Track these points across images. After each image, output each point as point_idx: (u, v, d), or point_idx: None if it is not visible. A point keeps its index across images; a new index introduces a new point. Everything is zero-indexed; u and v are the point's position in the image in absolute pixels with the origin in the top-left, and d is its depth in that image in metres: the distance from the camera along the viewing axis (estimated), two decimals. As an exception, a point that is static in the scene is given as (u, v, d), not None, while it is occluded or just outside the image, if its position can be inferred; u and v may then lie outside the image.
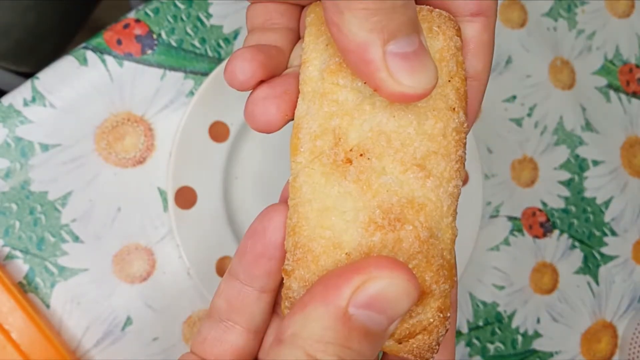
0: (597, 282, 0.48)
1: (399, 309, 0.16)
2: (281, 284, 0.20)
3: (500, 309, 0.46)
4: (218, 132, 0.40)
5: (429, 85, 0.17)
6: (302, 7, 0.23)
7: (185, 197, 0.39)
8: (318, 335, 0.16)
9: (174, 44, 0.40)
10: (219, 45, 0.41)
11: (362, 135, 0.19)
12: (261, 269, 0.20)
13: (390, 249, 0.18)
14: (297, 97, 0.21)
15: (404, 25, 0.16)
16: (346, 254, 0.18)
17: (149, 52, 0.40)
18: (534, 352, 0.46)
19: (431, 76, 0.17)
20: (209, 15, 0.41)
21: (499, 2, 0.47)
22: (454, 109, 0.19)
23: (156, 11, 0.40)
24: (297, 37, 0.23)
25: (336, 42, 0.17)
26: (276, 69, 0.21)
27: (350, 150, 0.19)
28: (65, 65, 0.38)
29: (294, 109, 0.21)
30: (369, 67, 0.17)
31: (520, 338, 0.46)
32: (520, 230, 0.46)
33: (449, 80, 0.20)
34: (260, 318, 0.21)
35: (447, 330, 0.19)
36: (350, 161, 0.19)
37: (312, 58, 0.20)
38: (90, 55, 0.39)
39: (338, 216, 0.19)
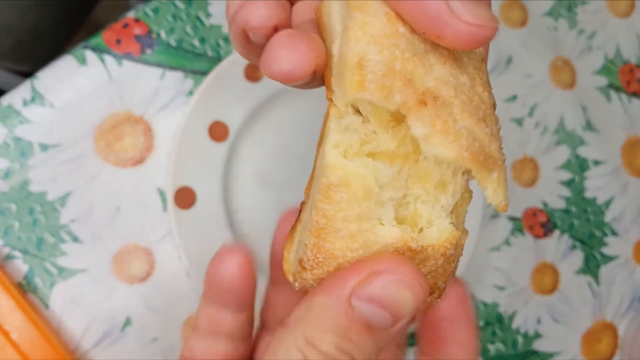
0: (597, 283, 0.48)
1: (404, 307, 0.16)
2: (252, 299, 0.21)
3: (500, 309, 0.45)
4: (218, 132, 0.40)
5: (494, 24, 0.16)
6: None
7: (185, 197, 0.39)
8: (318, 322, 0.16)
9: (173, 43, 0.40)
10: (218, 44, 0.41)
11: (428, 83, 0.17)
12: (230, 302, 0.21)
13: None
14: (324, 45, 0.18)
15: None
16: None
17: (149, 51, 0.40)
18: (535, 352, 0.46)
19: (493, 17, 0.16)
20: (208, 15, 0.41)
21: (499, 1, 0.47)
22: (489, 90, 0.18)
23: (156, 11, 0.40)
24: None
25: None
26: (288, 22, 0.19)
27: (422, 92, 0.17)
28: (64, 64, 0.38)
29: (324, 53, 0.18)
30: (430, 11, 0.16)
31: (520, 339, 0.46)
32: (520, 231, 0.46)
33: (482, 60, 0.19)
34: (242, 331, 0.22)
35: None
36: (425, 103, 0.17)
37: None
38: (89, 54, 0.39)
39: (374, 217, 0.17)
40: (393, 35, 0.17)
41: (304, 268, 0.18)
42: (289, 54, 0.17)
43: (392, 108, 0.17)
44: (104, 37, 0.39)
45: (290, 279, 0.19)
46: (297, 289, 0.19)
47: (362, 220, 0.17)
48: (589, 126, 0.49)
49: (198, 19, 0.41)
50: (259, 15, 0.17)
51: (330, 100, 0.18)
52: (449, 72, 0.18)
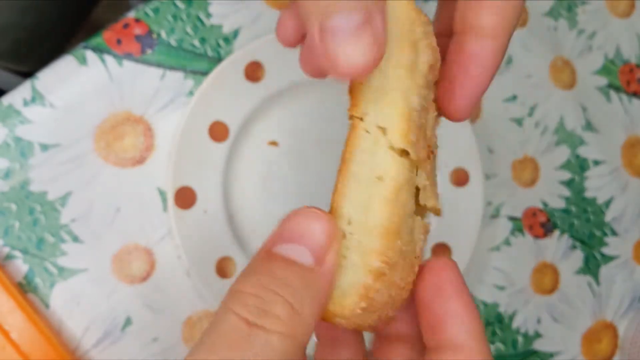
0: (597, 282, 0.48)
1: (315, 235, 0.17)
2: None
3: (500, 309, 0.45)
4: (218, 132, 0.40)
5: (363, 66, 0.16)
6: None
7: (185, 197, 0.39)
8: (244, 272, 0.17)
9: (173, 43, 0.40)
10: (218, 45, 0.41)
11: (430, 136, 0.20)
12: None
13: None
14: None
15: (343, 4, 0.16)
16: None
17: (149, 51, 0.40)
18: (535, 352, 0.46)
19: (369, 53, 0.16)
20: (208, 15, 0.41)
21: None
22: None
23: (156, 11, 0.40)
24: None
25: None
26: None
27: (429, 146, 0.20)
28: (64, 65, 0.38)
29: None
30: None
31: (520, 338, 0.46)
32: (520, 231, 0.46)
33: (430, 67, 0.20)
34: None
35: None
36: (429, 156, 0.20)
37: None
38: (89, 54, 0.39)
39: None
40: (417, 85, 0.19)
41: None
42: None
43: (414, 159, 0.19)
44: (105, 37, 0.39)
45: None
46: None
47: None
48: (589, 126, 0.49)
49: (198, 19, 0.41)
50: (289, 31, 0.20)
51: (354, 116, 0.19)
52: (432, 119, 0.20)
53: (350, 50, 0.16)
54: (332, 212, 0.19)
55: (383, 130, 0.19)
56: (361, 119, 0.19)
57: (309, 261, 0.17)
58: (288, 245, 0.17)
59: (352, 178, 0.18)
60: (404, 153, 0.19)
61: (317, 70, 0.22)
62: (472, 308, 0.19)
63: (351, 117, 0.19)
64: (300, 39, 0.21)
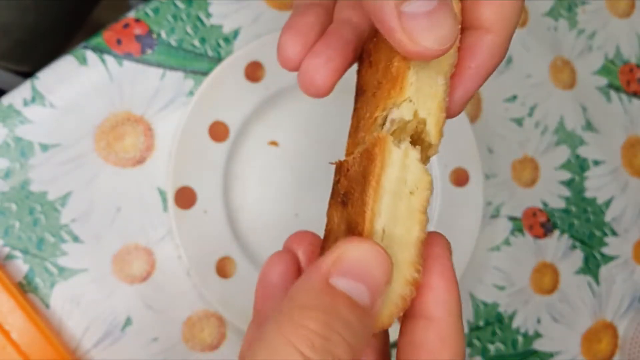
0: (597, 282, 0.48)
1: (375, 276, 0.17)
2: None
3: (500, 309, 0.45)
4: (218, 132, 0.40)
5: (445, 45, 0.17)
6: None
7: (185, 197, 0.39)
8: (303, 304, 0.17)
9: (173, 43, 0.40)
10: (218, 45, 0.41)
11: None
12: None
13: None
14: (343, 60, 0.22)
15: None
16: None
17: (149, 51, 0.40)
18: (535, 352, 0.46)
19: (448, 35, 0.17)
20: (208, 15, 0.41)
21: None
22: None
23: (156, 11, 0.40)
24: None
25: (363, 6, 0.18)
26: (321, 34, 0.22)
27: None
28: (65, 65, 0.38)
29: (340, 73, 0.22)
30: (386, 28, 0.17)
31: (520, 338, 0.46)
32: (520, 231, 0.46)
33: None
34: None
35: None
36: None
37: None
38: (90, 54, 0.39)
39: None
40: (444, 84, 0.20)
41: None
42: (313, 83, 0.21)
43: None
44: (105, 37, 0.39)
45: None
46: None
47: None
48: (589, 126, 0.49)
49: (198, 19, 0.41)
50: (293, 62, 0.22)
51: (377, 118, 0.20)
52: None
53: (431, 32, 0.17)
54: (365, 227, 0.19)
55: (423, 122, 0.19)
56: (382, 122, 0.20)
57: (367, 302, 0.17)
58: (350, 283, 0.17)
59: (385, 194, 0.18)
60: (426, 159, 0.20)
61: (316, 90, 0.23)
62: (453, 284, 0.19)
63: (375, 120, 0.20)
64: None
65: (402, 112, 0.19)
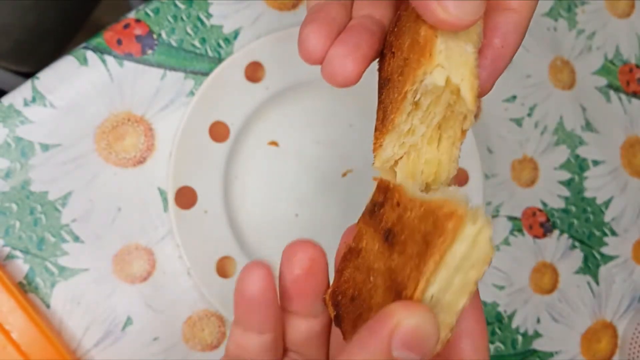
0: (597, 282, 0.48)
1: (430, 344, 0.18)
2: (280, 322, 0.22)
3: (500, 308, 0.46)
4: (218, 132, 0.40)
5: (475, 16, 0.18)
6: None
7: (186, 197, 0.39)
8: None
9: (174, 44, 0.40)
10: (219, 45, 0.41)
11: None
12: (253, 321, 0.22)
13: None
14: (370, 47, 0.21)
15: None
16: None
17: (149, 52, 0.40)
18: (534, 352, 0.46)
19: (478, 6, 0.18)
20: (209, 15, 0.41)
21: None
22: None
23: (156, 11, 0.40)
24: None
25: None
26: (342, 27, 0.22)
27: None
28: (65, 65, 0.38)
29: (368, 61, 0.21)
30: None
31: (520, 338, 0.46)
32: (520, 230, 0.46)
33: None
34: (267, 354, 0.22)
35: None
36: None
37: None
38: (90, 55, 0.39)
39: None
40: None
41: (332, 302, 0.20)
42: (341, 72, 0.21)
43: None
44: (105, 37, 0.39)
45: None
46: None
47: None
48: (589, 126, 0.49)
49: (199, 19, 0.41)
50: (316, 53, 0.22)
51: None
52: None
53: (464, 3, 0.18)
54: (415, 294, 0.18)
55: (456, 90, 0.19)
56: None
57: None
58: (407, 353, 0.17)
59: (445, 267, 0.18)
60: (463, 134, 0.20)
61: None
62: (483, 325, 0.20)
63: (405, 96, 0.20)
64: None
65: (434, 79, 0.19)
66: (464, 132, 0.20)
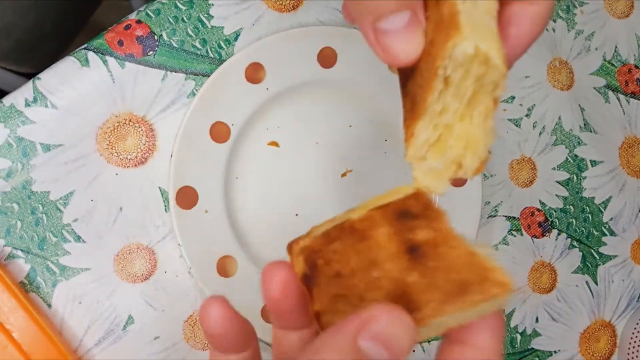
0: (595, 282, 0.48)
1: (401, 346, 0.18)
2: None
3: (499, 308, 0.46)
4: (219, 132, 0.40)
5: (410, 57, 0.20)
6: None
7: (187, 197, 0.39)
8: (327, 357, 0.18)
9: (175, 45, 0.40)
10: (220, 46, 0.41)
11: None
12: (227, 346, 0.23)
13: None
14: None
15: (390, 6, 0.19)
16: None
17: (151, 53, 0.40)
18: (533, 351, 0.46)
19: (412, 49, 0.20)
20: (210, 17, 0.41)
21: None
22: None
23: (157, 12, 0.40)
24: None
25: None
26: None
27: None
28: (66, 66, 0.39)
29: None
30: (367, 41, 0.20)
31: (519, 337, 0.46)
32: (518, 230, 0.47)
33: None
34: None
35: None
36: None
37: None
38: (91, 56, 0.39)
39: None
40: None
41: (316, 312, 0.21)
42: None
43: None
44: (106, 38, 0.39)
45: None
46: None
47: None
48: (587, 126, 0.49)
49: (200, 20, 0.41)
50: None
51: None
52: None
53: (403, 45, 0.19)
54: (428, 315, 0.19)
55: (486, 58, 0.20)
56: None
57: None
58: (375, 347, 0.18)
59: (463, 314, 0.19)
60: (495, 102, 0.21)
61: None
62: (499, 312, 0.20)
63: (436, 72, 0.20)
64: None
65: (464, 48, 0.19)
66: (495, 100, 0.21)
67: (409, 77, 0.22)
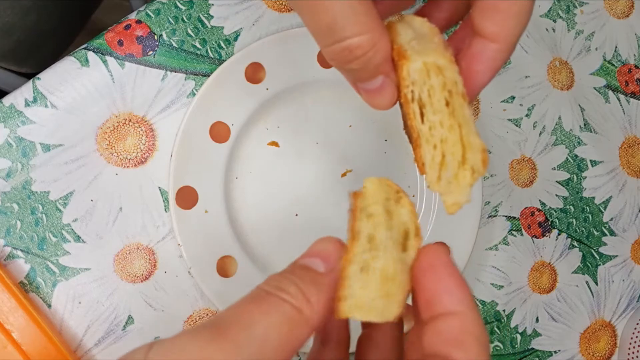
0: (595, 282, 0.48)
1: (328, 252, 0.22)
2: None
3: (499, 308, 0.46)
4: (219, 132, 0.40)
5: (387, 107, 0.25)
6: None
7: (186, 197, 0.39)
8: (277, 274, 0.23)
9: (175, 45, 0.40)
10: (219, 46, 0.41)
11: None
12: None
13: None
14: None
15: (368, 73, 0.24)
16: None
17: (150, 53, 0.40)
18: (533, 351, 0.46)
19: (387, 102, 0.25)
20: (209, 17, 0.41)
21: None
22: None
23: (157, 12, 0.40)
24: None
25: None
26: None
27: None
28: (66, 66, 0.39)
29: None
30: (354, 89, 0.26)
31: (519, 337, 0.46)
32: (518, 230, 0.47)
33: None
34: None
35: None
36: None
37: None
38: (91, 56, 0.39)
39: None
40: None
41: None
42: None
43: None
44: (106, 38, 0.39)
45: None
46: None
47: None
48: (587, 126, 0.49)
49: (199, 20, 0.41)
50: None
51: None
52: None
53: (378, 100, 0.25)
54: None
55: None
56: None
57: (320, 268, 0.22)
58: (308, 258, 0.22)
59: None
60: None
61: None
62: (461, 282, 0.21)
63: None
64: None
65: (415, 67, 0.23)
66: (464, 95, 0.23)
67: (405, 121, 0.26)
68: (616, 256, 0.49)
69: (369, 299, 0.21)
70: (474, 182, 0.25)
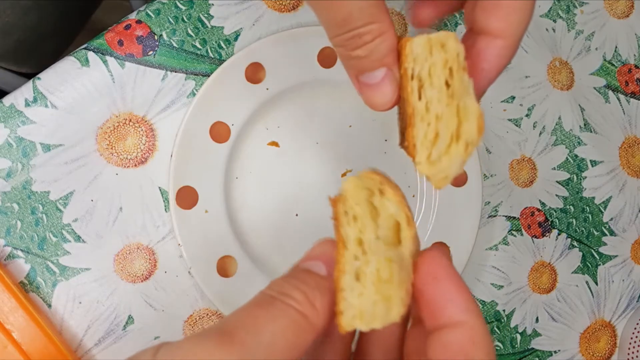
0: (595, 282, 0.48)
1: (329, 255, 0.22)
2: None
3: (499, 308, 0.46)
4: (219, 132, 0.40)
5: (386, 106, 0.25)
6: None
7: (187, 197, 0.39)
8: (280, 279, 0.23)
9: (175, 45, 0.40)
10: (220, 46, 0.41)
11: None
12: None
13: None
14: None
15: (372, 63, 0.24)
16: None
17: (151, 53, 0.40)
18: (533, 351, 0.46)
19: (387, 100, 0.24)
20: (210, 17, 0.41)
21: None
22: None
23: (157, 12, 0.40)
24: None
25: None
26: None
27: None
28: (66, 66, 0.39)
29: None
30: (355, 87, 0.25)
31: (519, 337, 0.46)
32: (518, 230, 0.47)
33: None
34: None
35: None
36: None
37: None
38: (91, 56, 0.39)
39: None
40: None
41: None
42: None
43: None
44: (106, 38, 0.39)
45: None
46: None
47: None
48: (587, 126, 0.49)
49: (199, 20, 0.41)
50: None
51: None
52: None
53: (377, 97, 0.24)
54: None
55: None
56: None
57: (323, 272, 0.22)
58: (310, 262, 0.23)
59: None
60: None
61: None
62: (464, 289, 0.21)
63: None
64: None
65: (418, 42, 0.23)
66: (465, 68, 0.23)
67: (400, 107, 0.26)
68: (616, 256, 0.49)
69: (368, 306, 0.21)
70: (468, 157, 0.23)
